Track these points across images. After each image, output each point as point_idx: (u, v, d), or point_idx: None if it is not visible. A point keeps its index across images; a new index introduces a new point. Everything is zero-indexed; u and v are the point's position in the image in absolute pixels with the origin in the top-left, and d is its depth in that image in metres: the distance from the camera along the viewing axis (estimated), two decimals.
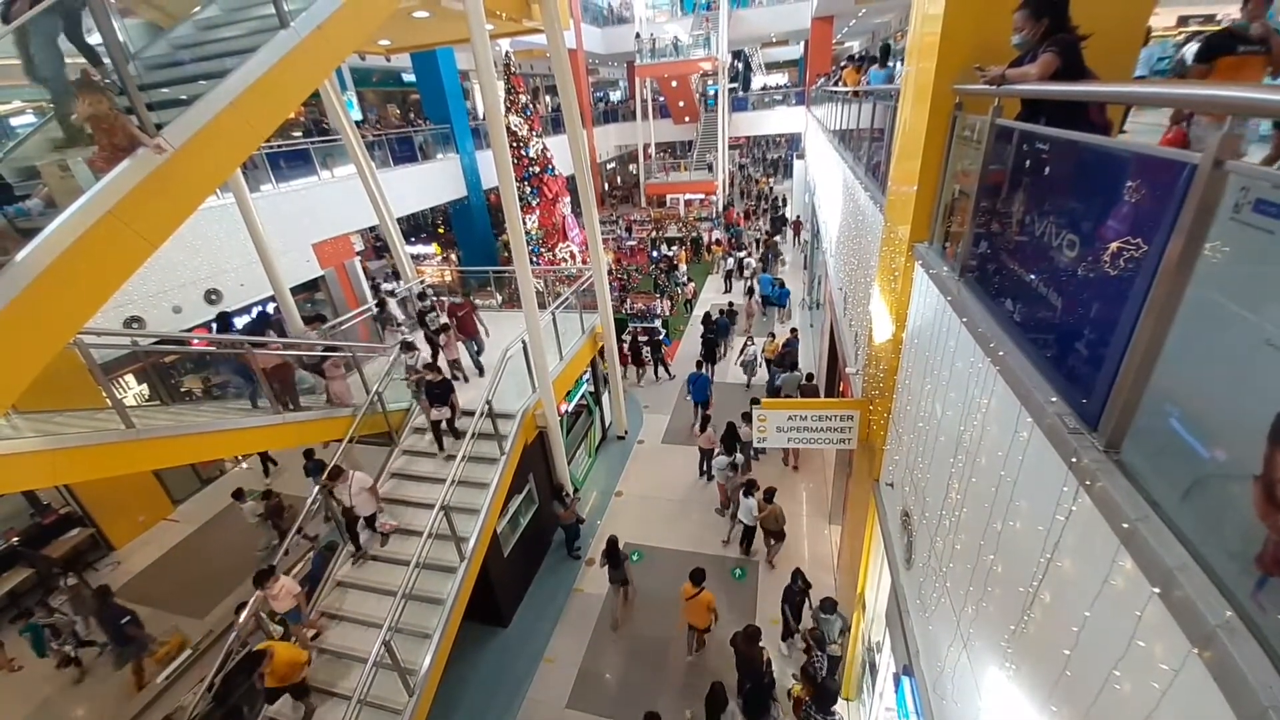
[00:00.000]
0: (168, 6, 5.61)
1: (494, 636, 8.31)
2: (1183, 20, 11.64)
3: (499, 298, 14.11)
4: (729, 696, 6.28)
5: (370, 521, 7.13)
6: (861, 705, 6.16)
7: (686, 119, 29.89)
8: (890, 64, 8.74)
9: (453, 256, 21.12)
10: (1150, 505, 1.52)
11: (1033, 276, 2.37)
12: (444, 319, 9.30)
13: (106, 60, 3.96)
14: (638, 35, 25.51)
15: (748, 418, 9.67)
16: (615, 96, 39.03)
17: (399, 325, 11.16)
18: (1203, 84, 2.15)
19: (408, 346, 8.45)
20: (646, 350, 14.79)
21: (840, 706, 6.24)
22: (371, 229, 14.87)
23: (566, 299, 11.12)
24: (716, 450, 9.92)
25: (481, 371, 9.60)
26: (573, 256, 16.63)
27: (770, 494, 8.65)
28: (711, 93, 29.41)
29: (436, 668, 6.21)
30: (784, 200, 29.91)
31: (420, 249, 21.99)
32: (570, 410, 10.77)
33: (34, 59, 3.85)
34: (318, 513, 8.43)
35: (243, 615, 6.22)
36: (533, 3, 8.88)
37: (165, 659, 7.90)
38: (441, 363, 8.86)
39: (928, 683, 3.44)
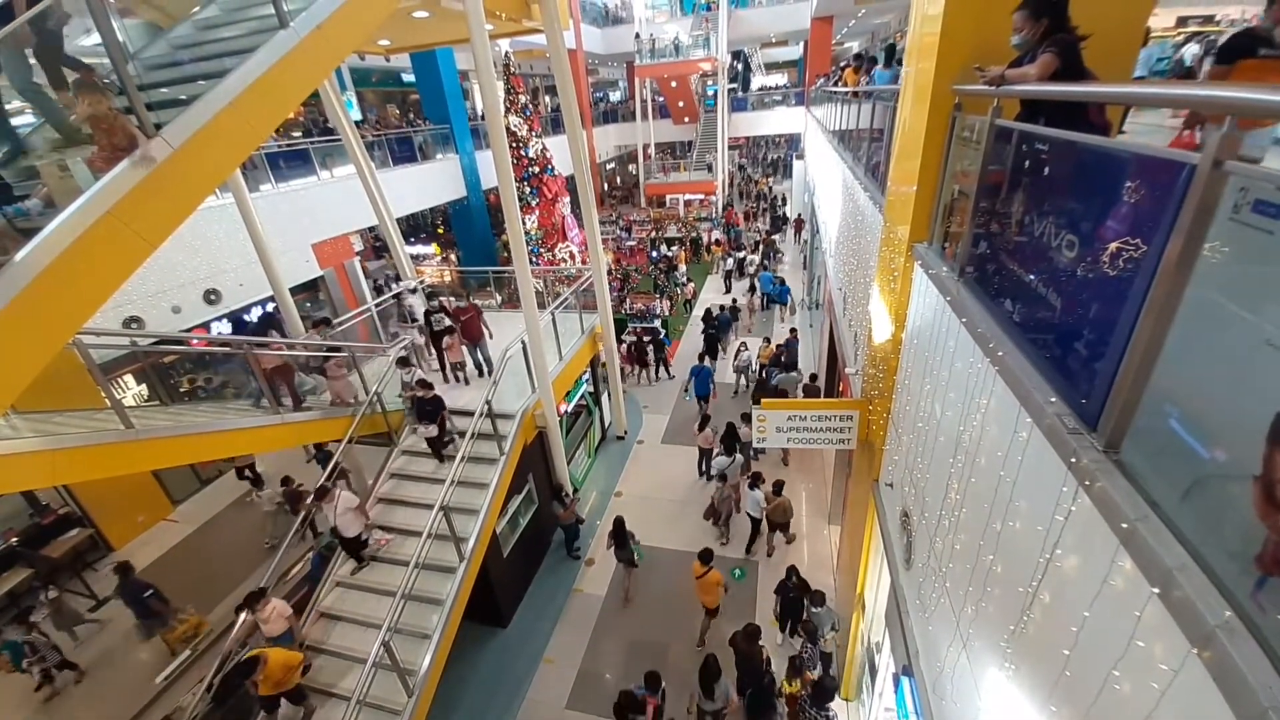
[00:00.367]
0: (167, 7, 5.60)
1: (494, 637, 8.31)
2: (1182, 21, 11.64)
3: (499, 298, 14.10)
4: (721, 668, 6.25)
5: (357, 542, 6.95)
6: (861, 706, 6.16)
7: (686, 119, 29.90)
8: (895, 63, 8.72)
9: (452, 257, 21.12)
10: (1150, 505, 1.52)
11: (1032, 277, 2.37)
12: (449, 321, 9.24)
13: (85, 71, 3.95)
14: (637, 35, 25.51)
15: (747, 418, 9.68)
16: (615, 97, 39.04)
17: (415, 321, 11.01)
18: (1202, 84, 2.15)
19: (403, 362, 8.33)
20: (650, 350, 14.80)
21: (840, 707, 6.25)
22: (371, 229, 14.86)
23: (566, 299, 11.12)
24: (716, 451, 9.92)
25: (483, 373, 9.46)
26: (572, 257, 16.63)
27: (779, 487, 8.70)
28: (711, 93, 29.41)
29: (436, 668, 6.21)
30: (784, 199, 29.92)
31: (420, 249, 21.98)
32: (570, 410, 10.77)
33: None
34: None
35: (229, 640, 6.10)
36: (532, 3, 8.88)
37: (184, 637, 8.04)
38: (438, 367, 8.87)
39: (927, 683, 3.44)
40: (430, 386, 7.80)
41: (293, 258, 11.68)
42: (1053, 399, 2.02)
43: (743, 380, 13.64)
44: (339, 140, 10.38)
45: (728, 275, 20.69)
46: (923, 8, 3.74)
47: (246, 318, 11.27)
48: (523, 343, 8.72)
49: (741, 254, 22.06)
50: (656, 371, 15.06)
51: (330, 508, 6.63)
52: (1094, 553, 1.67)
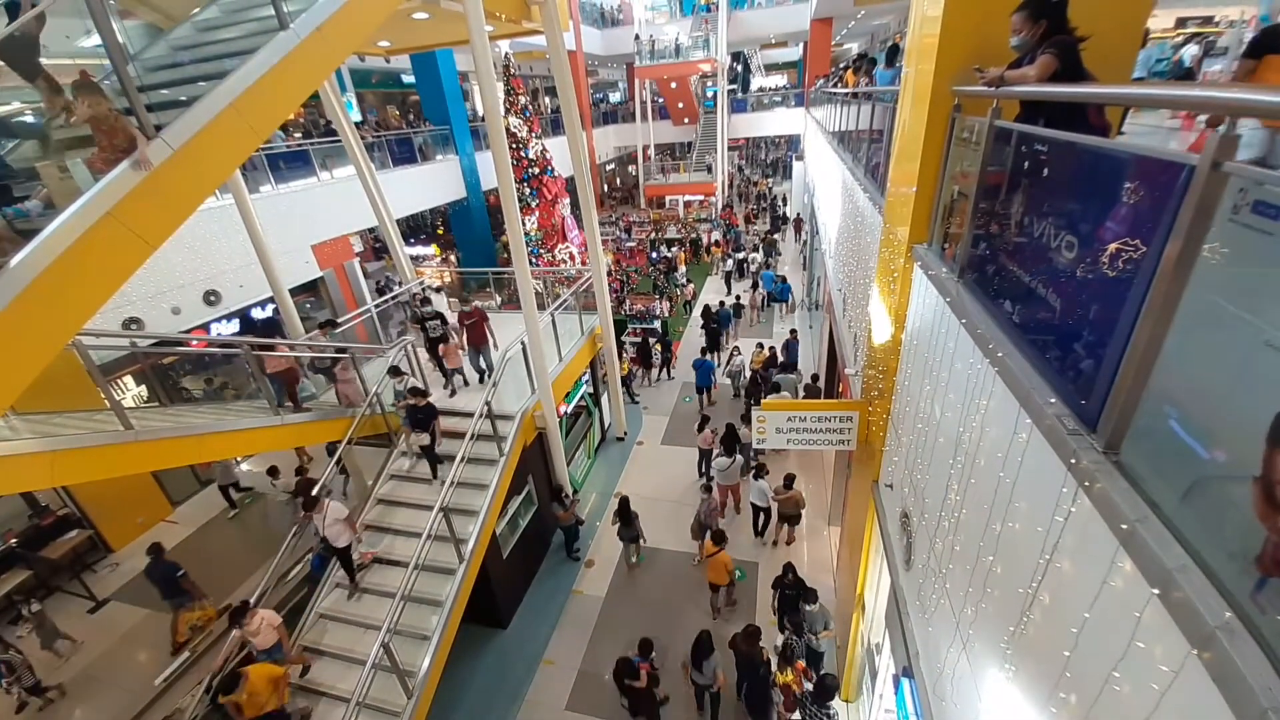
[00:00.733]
0: (167, 8, 5.61)
1: (493, 638, 8.30)
2: (1181, 22, 11.66)
3: (498, 299, 14.10)
4: (715, 647, 6.51)
5: (346, 553, 6.85)
6: (861, 707, 6.15)
7: (686, 120, 29.92)
8: (898, 64, 8.72)
9: (452, 258, 21.13)
10: (1149, 506, 1.52)
11: (1032, 278, 2.38)
12: (447, 324, 9.13)
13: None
14: (637, 37, 25.54)
15: (747, 419, 9.69)
16: (615, 98, 39.08)
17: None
18: (1201, 85, 2.15)
19: (395, 371, 8.23)
20: (656, 351, 14.88)
21: (840, 708, 6.25)
22: (371, 230, 14.87)
23: (566, 300, 11.12)
24: (716, 452, 9.92)
25: (484, 379, 9.14)
26: (572, 258, 16.63)
27: (790, 480, 8.79)
28: (710, 94, 29.44)
29: (435, 669, 6.21)
30: (784, 199, 29.98)
31: (419, 250, 21.99)
32: (569, 411, 10.77)
33: None
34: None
35: (219, 658, 6.00)
36: (532, 4, 8.88)
37: (196, 622, 8.22)
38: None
39: (927, 684, 3.44)
40: (423, 394, 7.69)
41: (292, 258, 11.68)
42: (1052, 400, 2.02)
43: (734, 386, 13.47)
44: (338, 141, 10.39)
45: (727, 276, 20.74)
46: (922, 9, 3.75)
47: (257, 315, 11.27)
48: (522, 344, 8.72)
49: (741, 255, 22.11)
50: (661, 372, 15.11)
51: (319, 518, 6.51)
52: (1094, 554, 1.67)
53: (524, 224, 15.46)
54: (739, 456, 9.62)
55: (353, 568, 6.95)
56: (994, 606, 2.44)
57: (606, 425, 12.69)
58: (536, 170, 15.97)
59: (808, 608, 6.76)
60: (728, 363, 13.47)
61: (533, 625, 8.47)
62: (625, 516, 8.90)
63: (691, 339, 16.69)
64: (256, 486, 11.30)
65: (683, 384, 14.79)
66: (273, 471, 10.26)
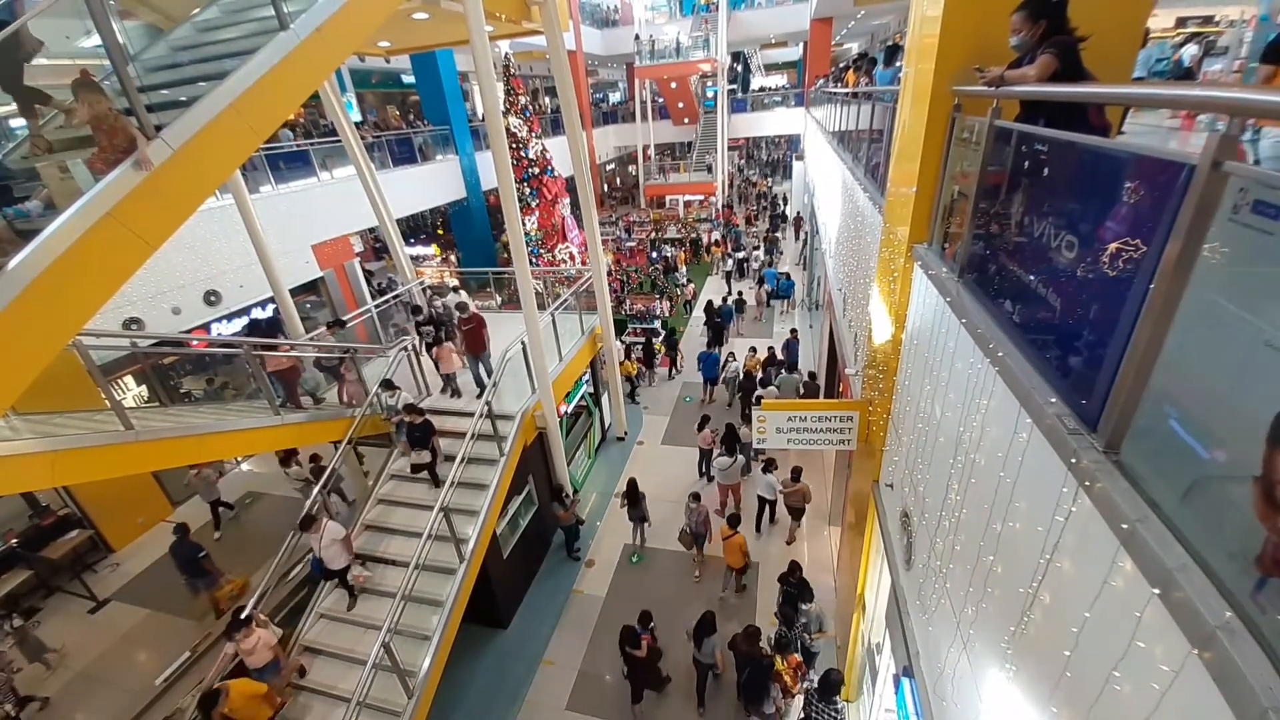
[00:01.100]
0: (167, 8, 5.61)
1: (494, 638, 8.30)
2: (1181, 21, 11.66)
3: (498, 299, 14.11)
4: (717, 628, 6.75)
5: (343, 574, 6.76)
6: (862, 706, 6.15)
7: (686, 120, 29.92)
8: (897, 63, 8.71)
9: (452, 257, 21.13)
10: (1150, 506, 1.52)
11: (1032, 277, 2.38)
12: (443, 329, 9.05)
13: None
14: (637, 37, 25.54)
15: (748, 419, 9.69)
16: (615, 98, 39.08)
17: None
18: (1202, 85, 2.15)
19: (388, 385, 8.08)
20: (660, 351, 15.01)
21: (840, 707, 6.25)
22: (371, 230, 14.87)
23: (566, 300, 11.12)
24: (717, 451, 9.93)
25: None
26: (572, 258, 16.64)
27: (797, 473, 8.88)
28: (711, 94, 29.44)
29: (436, 669, 6.21)
30: (784, 199, 30.01)
31: (420, 250, 21.99)
32: (569, 411, 10.77)
33: None
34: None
35: (211, 672, 5.93)
36: (532, 4, 8.89)
37: (230, 595, 8.44)
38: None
39: (928, 684, 3.44)
40: (420, 412, 7.52)
41: (293, 259, 11.69)
42: (1053, 400, 2.02)
43: (732, 392, 13.37)
44: (338, 141, 10.39)
45: (728, 276, 20.79)
46: (922, 9, 3.75)
47: (261, 315, 11.24)
48: (523, 344, 8.71)
49: (741, 254, 22.17)
50: (670, 370, 15.22)
51: (316, 538, 6.40)
52: (1094, 553, 1.67)
53: (524, 224, 15.46)
54: (740, 456, 9.63)
55: (348, 587, 6.86)
56: (994, 606, 2.44)
57: (607, 425, 12.70)
58: (536, 170, 15.98)
59: (803, 606, 6.82)
60: (723, 368, 13.42)
61: (533, 625, 8.47)
62: (633, 498, 9.20)
63: (694, 336, 16.75)
64: (255, 487, 11.30)
65: (683, 384, 14.81)
66: (286, 461, 10.26)
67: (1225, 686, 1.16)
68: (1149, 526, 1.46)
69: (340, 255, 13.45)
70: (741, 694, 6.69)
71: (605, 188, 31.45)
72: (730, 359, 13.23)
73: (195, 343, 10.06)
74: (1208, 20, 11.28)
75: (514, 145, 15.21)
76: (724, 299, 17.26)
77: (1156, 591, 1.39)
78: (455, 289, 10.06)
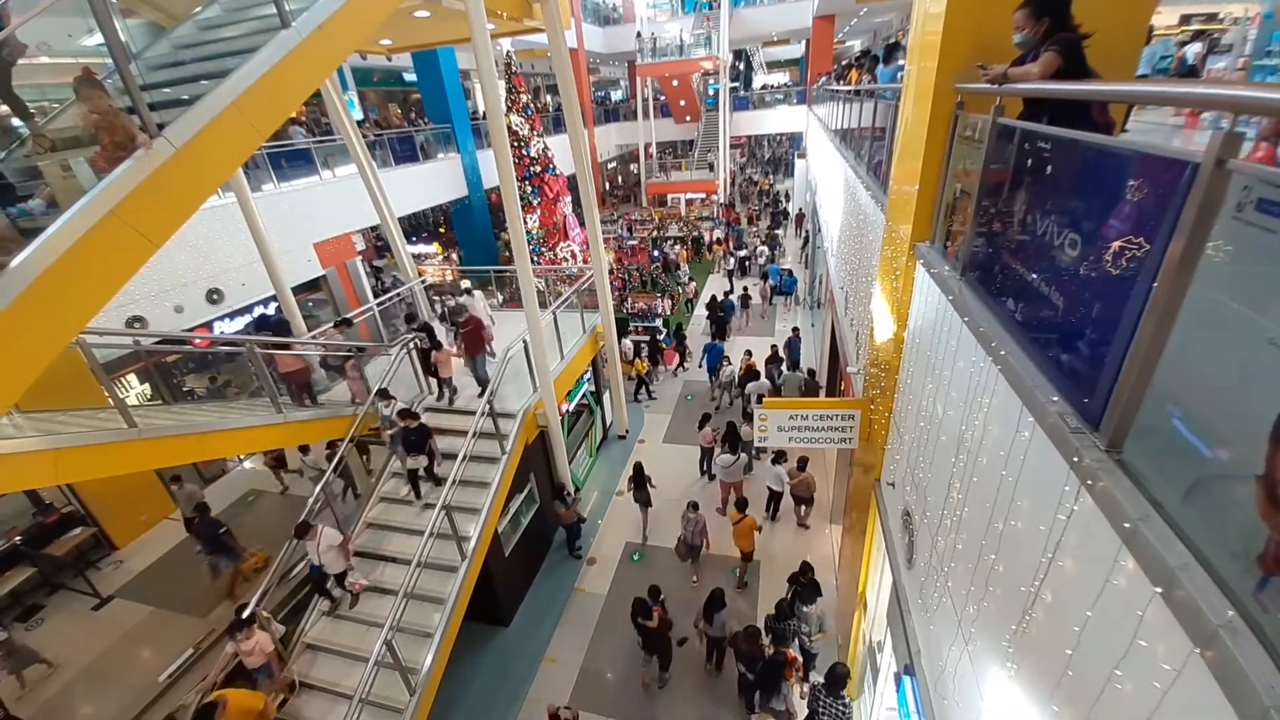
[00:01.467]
0: (169, 7, 5.61)
1: (495, 636, 8.32)
2: (1185, 19, 11.61)
3: (500, 297, 14.12)
4: (726, 603, 6.98)
5: (340, 579, 6.73)
6: (863, 705, 6.16)
7: (688, 118, 29.88)
8: (898, 60, 8.67)
9: (454, 256, 21.13)
10: (1152, 505, 1.52)
11: (1034, 276, 2.37)
12: (436, 336, 8.77)
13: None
14: (639, 34, 25.50)
15: (749, 417, 9.70)
16: (616, 96, 39.03)
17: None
18: (1205, 82, 2.14)
19: (384, 394, 7.91)
20: (664, 347, 15.11)
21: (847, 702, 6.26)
22: (373, 228, 14.88)
23: (568, 298, 11.12)
24: (719, 449, 9.94)
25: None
26: (574, 256, 16.63)
27: (803, 463, 9.01)
28: (713, 92, 29.40)
29: (438, 667, 6.23)
30: (786, 196, 30.00)
31: (421, 248, 22.00)
32: (571, 410, 10.78)
33: None
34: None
35: (211, 674, 5.93)
36: (534, 2, 8.87)
37: (254, 567, 8.61)
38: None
39: (929, 682, 3.44)
40: (415, 416, 7.49)
41: (294, 257, 11.69)
42: (1055, 398, 2.02)
43: (726, 396, 13.36)
44: (339, 140, 10.40)
45: (729, 275, 20.81)
46: (925, 6, 3.73)
47: (266, 312, 11.29)
48: (524, 342, 8.72)
49: (743, 252, 22.19)
50: (678, 366, 15.29)
51: (313, 545, 6.32)
52: (1096, 552, 1.67)
53: (526, 222, 15.44)
54: (743, 455, 9.64)
55: (343, 587, 6.82)
56: (996, 605, 2.44)
57: (608, 423, 12.70)
58: (538, 168, 15.97)
59: (805, 609, 6.85)
60: (718, 373, 13.37)
61: (534, 623, 8.48)
62: (640, 481, 9.49)
63: (695, 333, 16.80)
64: (258, 484, 11.32)
65: (685, 382, 14.81)
66: (304, 448, 10.29)
67: (1227, 685, 1.16)
68: (1151, 525, 1.46)
69: (342, 253, 13.45)
70: (743, 692, 6.70)
71: (607, 186, 31.43)
72: (725, 363, 13.18)
73: (198, 341, 10.07)
74: (1212, 17, 11.23)
75: (515, 143, 15.20)
76: (725, 294, 17.47)
77: (1158, 590, 1.38)
78: (468, 291, 9.93)
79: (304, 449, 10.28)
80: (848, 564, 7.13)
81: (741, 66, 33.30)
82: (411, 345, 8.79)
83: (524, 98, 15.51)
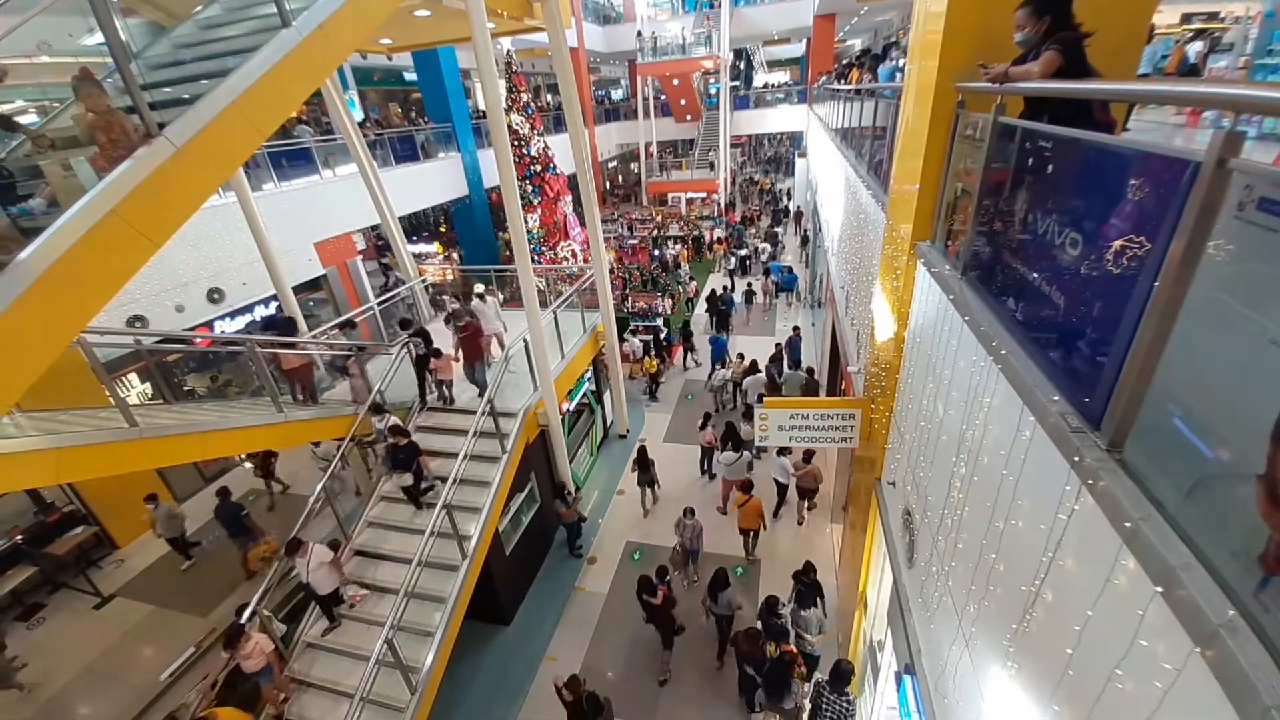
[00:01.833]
0: (170, 6, 5.61)
1: (496, 635, 8.33)
2: (1186, 18, 11.58)
3: (500, 296, 14.11)
4: (731, 583, 7.27)
5: (329, 601, 6.52)
6: (863, 704, 6.16)
7: (688, 117, 29.86)
8: (891, 61, 8.67)
9: (454, 255, 21.13)
10: (1153, 504, 1.52)
11: (1035, 275, 2.37)
12: (433, 344, 8.65)
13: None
14: (639, 33, 25.48)
15: (748, 416, 9.70)
16: (617, 95, 39.00)
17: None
18: (1206, 81, 2.14)
19: (377, 409, 7.85)
20: (676, 341, 15.38)
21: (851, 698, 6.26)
22: (373, 228, 14.89)
23: (568, 298, 11.12)
24: (719, 449, 9.95)
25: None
26: (574, 255, 16.64)
27: (809, 455, 9.09)
28: (713, 91, 29.38)
29: (439, 666, 6.23)
30: (787, 194, 30.00)
31: (422, 248, 22.00)
32: (571, 409, 10.78)
33: None
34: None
35: (210, 678, 5.90)
36: (534, 1, 8.87)
37: (263, 555, 8.83)
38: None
39: (929, 681, 3.44)
40: (405, 433, 7.35)
41: (295, 256, 11.70)
42: (1056, 398, 2.02)
43: (720, 399, 13.21)
44: (339, 140, 10.40)
45: (730, 274, 20.85)
46: (926, 5, 3.73)
47: (266, 312, 11.29)
48: (525, 341, 8.72)
49: (744, 251, 22.22)
50: (686, 360, 15.41)
51: (302, 563, 6.13)
52: (1097, 552, 1.67)
53: (526, 221, 15.44)
54: (745, 452, 9.64)
55: (332, 612, 6.61)
56: (996, 604, 2.44)
57: (609, 422, 12.70)
58: (538, 168, 15.97)
59: (803, 612, 6.81)
60: (710, 378, 13.35)
61: (535, 622, 8.49)
62: (643, 463, 9.87)
63: (698, 330, 16.85)
64: (259, 484, 11.33)
65: (685, 381, 14.80)
66: (266, 474, 10.29)
67: (1228, 685, 1.16)
68: (1152, 525, 1.46)
69: (342, 253, 13.46)
70: (744, 692, 6.70)
71: (607, 185, 31.41)
72: (718, 367, 13.09)
73: (199, 340, 10.08)
74: (1213, 16, 11.20)
75: (516, 143, 15.20)
76: (725, 288, 17.83)
77: (1159, 590, 1.38)
78: (480, 295, 9.83)
79: (315, 442, 10.29)
80: (848, 563, 7.14)
81: (742, 65, 33.28)
82: (409, 351, 8.68)
83: (524, 97, 15.50)
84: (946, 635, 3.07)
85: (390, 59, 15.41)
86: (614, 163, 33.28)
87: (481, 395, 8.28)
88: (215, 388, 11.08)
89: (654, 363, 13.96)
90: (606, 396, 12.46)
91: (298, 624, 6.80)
